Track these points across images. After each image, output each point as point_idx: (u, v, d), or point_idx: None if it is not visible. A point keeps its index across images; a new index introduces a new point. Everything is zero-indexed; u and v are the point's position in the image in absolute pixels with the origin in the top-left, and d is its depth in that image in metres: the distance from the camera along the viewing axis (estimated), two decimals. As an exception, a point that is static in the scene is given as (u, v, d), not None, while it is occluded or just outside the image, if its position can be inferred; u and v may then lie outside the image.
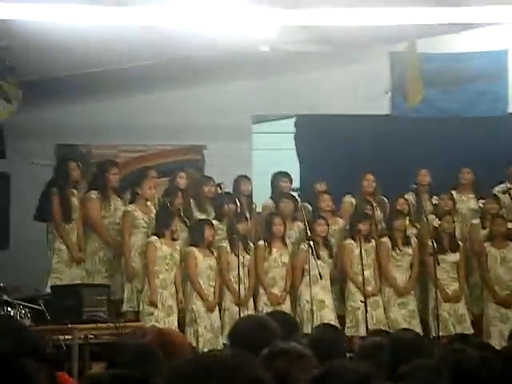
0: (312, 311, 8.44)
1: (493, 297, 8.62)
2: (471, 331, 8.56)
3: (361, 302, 8.53)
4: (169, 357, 3.53)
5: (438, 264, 8.54)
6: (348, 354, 7.09)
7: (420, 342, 5.18)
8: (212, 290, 8.46)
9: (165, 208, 8.51)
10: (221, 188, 8.77)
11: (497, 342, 8.04)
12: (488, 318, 8.66)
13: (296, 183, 9.65)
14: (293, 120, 10.56)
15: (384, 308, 8.71)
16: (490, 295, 8.67)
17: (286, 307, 8.54)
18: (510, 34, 9.60)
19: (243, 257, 8.52)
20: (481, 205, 8.99)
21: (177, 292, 8.33)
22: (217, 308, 8.51)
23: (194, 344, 8.15)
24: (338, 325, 8.39)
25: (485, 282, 8.72)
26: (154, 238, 8.30)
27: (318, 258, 8.51)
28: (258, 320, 3.95)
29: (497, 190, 9.18)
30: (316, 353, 3.38)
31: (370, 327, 8.26)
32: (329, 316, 8.54)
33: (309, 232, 8.52)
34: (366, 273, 8.59)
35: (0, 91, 7.94)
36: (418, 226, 9.01)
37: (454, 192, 9.21)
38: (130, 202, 8.63)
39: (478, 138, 9.85)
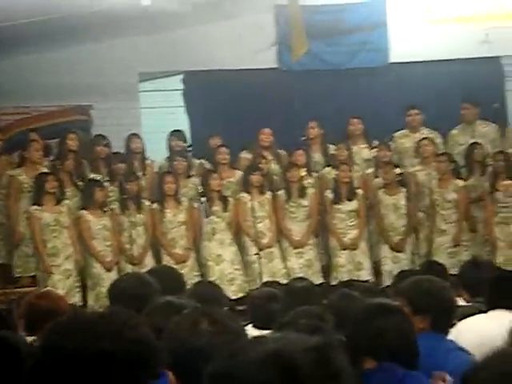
0: (208, 266, 8.52)
1: (387, 243, 8.82)
2: (370, 278, 8.77)
3: (255, 254, 8.61)
4: (45, 317, 3.51)
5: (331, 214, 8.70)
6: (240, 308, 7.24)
7: (310, 290, 5.29)
8: (109, 249, 8.41)
9: (40, 174, 8.32)
10: (107, 147, 8.65)
11: (387, 282, 8.33)
12: (380, 258, 8.87)
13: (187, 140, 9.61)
14: (180, 77, 10.45)
15: (282, 259, 8.81)
16: (384, 241, 8.87)
17: (190, 264, 8.58)
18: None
19: (134, 217, 8.48)
20: (373, 154, 9.16)
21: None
22: (116, 268, 8.46)
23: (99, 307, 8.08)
24: (241, 277, 8.54)
25: (379, 229, 8.91)
26: (33, 207, 8.19)
27: (207, 216, 8.49)
28: (137, 277, 3.96)
29: (397, 135, 9.35)
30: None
31: (266, 279, 8.36)
32: (228, 269, 8.60)
33: (200, 188, 8.53)
34: (259, 225, 8.66)
35: None
36: (315, 176, 9.11)
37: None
38: (19, 166, 8.44)
39: (364, 88, 10.02)
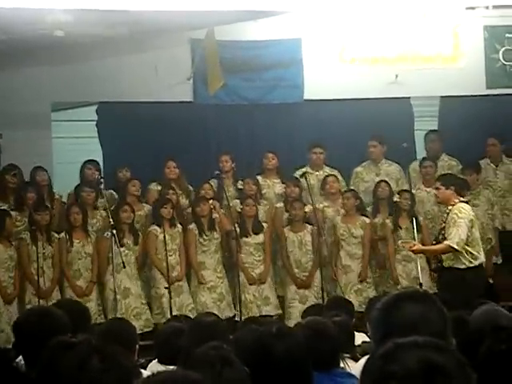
0: (116, 300, 8.40)
1: (293, 280, 8.87)
2: (278, 312, 8.79)
3: (165, 288, 8.54)
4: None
5: (240, 248, 8.72)
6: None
7: (217, 325, 5.26)
8: (12, 281, 8.23)
9: None
10: (16, 177, 8.53)
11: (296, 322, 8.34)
12: (288, 299, 8.90)
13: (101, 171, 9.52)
14: (94, 107, 10.37)
15: (193, 293, 8.74)
16: (290, 278, 8.91)
17: (93, 298, 8.46)
18: (303, 24, 9.90)
19: (44, 248, 8.34)
20: (283, 189, 9.24)
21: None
22: (16, 301, 8.27)
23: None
24: (148, 312, 8.46)
25: (285, 265, 8.95)
26: None
27: (121, 245, 8.45)
28: (41, 310, 3.87)
29: (297, 173, 9.47)
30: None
31: (174, 313, 8.30)
32: (134, 303, 8.52)
33: (111, 220, 8.45)
34: (170, 258, 8.61)
35: None
36: (222, 210, 9.12)
37: (259, 177, 9.39)
38: None
39: (278, 123, 10.14)
